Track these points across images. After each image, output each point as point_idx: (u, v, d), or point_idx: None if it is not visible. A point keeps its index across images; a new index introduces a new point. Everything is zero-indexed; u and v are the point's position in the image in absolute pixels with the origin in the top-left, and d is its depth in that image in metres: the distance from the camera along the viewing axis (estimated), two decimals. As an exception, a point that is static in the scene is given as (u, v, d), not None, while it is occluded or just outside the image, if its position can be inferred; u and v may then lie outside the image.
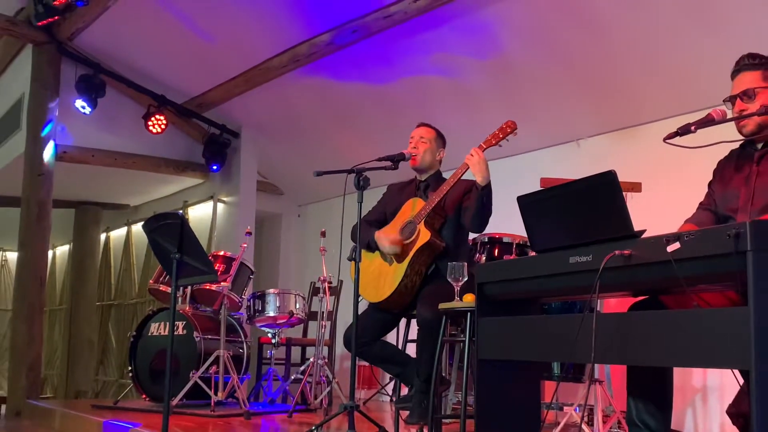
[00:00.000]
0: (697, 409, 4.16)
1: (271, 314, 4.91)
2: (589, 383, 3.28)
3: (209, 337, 4.71)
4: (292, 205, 8.17)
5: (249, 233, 5.02)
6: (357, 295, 3.26)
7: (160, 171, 7.16)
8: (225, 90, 6.43)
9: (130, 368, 4.95)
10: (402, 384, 3.79)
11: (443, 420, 3.41)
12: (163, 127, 6.57)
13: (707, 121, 2.43)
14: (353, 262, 3.30)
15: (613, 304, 3.69)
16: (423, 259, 3.51)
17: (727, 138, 2.49)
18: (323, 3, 5.09)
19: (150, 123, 6.52)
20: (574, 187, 2.24)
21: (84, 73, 6.31)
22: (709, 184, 2.61)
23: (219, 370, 4.40)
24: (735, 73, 2.46)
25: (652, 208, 3.85)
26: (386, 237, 3.58)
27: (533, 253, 2.51)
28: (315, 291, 5.68)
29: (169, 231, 3.15)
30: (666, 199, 4.18)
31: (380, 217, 3.83)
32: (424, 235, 3.49)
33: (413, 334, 3.75)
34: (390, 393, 5.35)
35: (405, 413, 3.54)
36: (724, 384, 3.98)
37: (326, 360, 4.89)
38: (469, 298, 2.88)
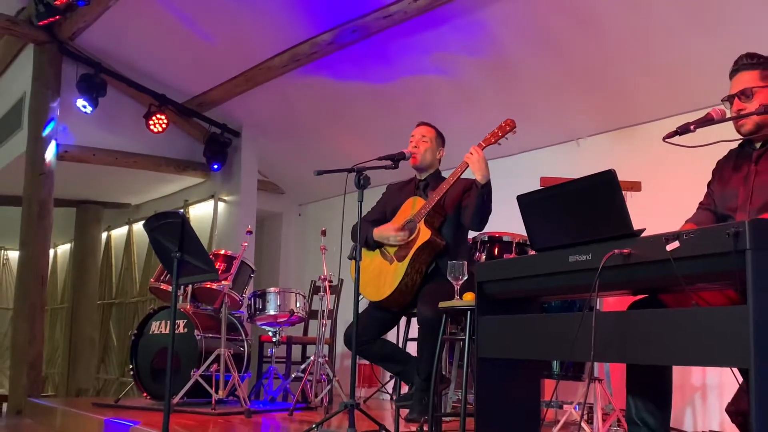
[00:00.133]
0: (697, 407, 4.17)
1: (272, 313, 4.92)
2: (589, 381, 3.29)
3: (210, 335, 4.72)
4: (292, 204, 8.18)
5: (250, 232, 5.03)
6: (357, 294, 3.27)
7: (161, 170, 7.17)
8: (226, 89, 6.44)
9: (131, 366, 4.97)
10: (402, 382, 3.80)
11: (443, 418, 3.41)
12: (164, 126, 6.58)
13: (706, 121, 2.43)
14: (353, 261, 3.31)
15: (613, 302, 3.70)
16: (423, 257, 3.52)
17: (726, 137, 2.50)
18: (323, 3, 5.10)
19: (151, 122, 6.53)
20: (574, 187, 2.25)
21: (85, 72, 6.32)
22: (709, 184, 2.62)
23: (220, 368, 4.41)
24: (733, 73, 2.47)
25: (651, 207, 3.86)
26: (390, 227, 3.60)
27: (533, 252, 2.52)
28: (315, 290, 5.70)
29: (170, 230, 3.15)
30: (665, 198, 4.19)
31: (380, 216, 3.84)
32: (424, 234, 3.50)
33: (413, 332, 3.76)
34: (390, 391, 5.37)
35: (405, 411, 3.55)
36: (723, 382, 3.99)
37: (327, 358, 4.90)
38: (469, 297, 2.89)
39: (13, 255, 11.13)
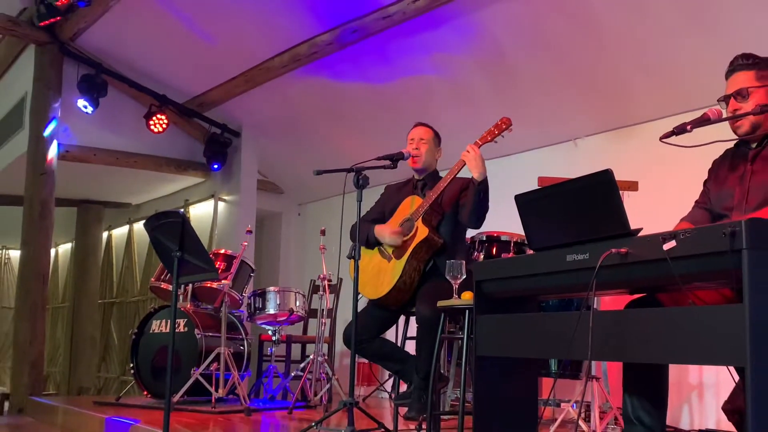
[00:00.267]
0: (693, 405, 4.18)
1: (272, 312, 4.94)
2: (586, 380, 3.30)
3: (210, 334, 4.74)
4: (292, 204, 8.19)
5: (249, 231, 5.05)
6: (356, 293, 3.28)
7: (161, 170, 7.18)
8: (226, 90, 6.46)
9: (131, 365, 4.99)
10: (401, 381, 3.81)
11: (442, 416, 3.43)
12: (164, 126, 6.59)
13: (703, 121, 2.44)
14: (352, 260, 3.33)
15: (610, 301, 3.71)
16: (421, 255, 3.53)
17: (722, 137, 2.51)
18: (323, 3, 5.11)
19: (151, 122, 6.54)
20: (572, 186, 2.26)
21: (86, 72, 6.33)
22: (705, 183, 2.63)
23: (220, 367, 4.43)
24: (729, 73, 2.48)
25: (648, 206, 3.88)
26: (387, 228, 3.62)
27: (531, 252, 2.53)
28: (315, 289, 5.71)
29: (170, 229, 3.16)
30: (662, 197, 4.20)
31: (379, 216, 3.84)
32: (421, 232, 3.51)
33: (412, 331, 3.78)
34: (389, 390, 5.38)
35: (404, 410, 3.56)
36: (719, 380, 4.00)
37: (326, 357, 4.91)
38: (468, 296, 2.90)
39: (15, 254, 11.15)
